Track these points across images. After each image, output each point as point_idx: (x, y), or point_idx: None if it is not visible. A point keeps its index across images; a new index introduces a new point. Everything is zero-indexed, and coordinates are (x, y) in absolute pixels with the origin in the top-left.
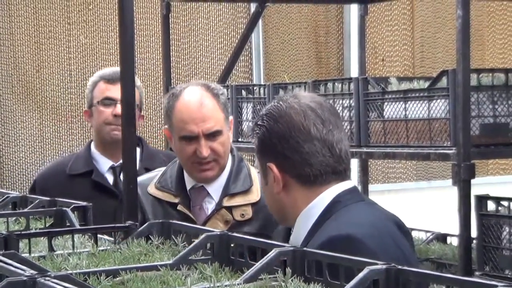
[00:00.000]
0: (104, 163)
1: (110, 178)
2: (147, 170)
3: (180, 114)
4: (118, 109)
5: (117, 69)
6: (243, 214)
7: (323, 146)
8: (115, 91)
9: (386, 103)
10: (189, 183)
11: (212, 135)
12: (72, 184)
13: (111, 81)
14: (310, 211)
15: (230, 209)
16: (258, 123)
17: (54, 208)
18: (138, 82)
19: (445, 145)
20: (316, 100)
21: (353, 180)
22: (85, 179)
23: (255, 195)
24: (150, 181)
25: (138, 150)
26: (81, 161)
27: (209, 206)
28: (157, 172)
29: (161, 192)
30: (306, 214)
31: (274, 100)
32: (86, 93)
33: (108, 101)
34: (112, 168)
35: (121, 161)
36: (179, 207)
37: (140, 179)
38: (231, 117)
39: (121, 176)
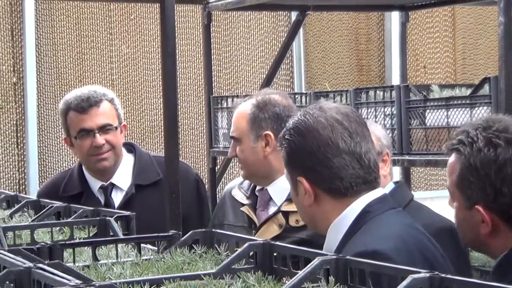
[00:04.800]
0: (94, 184)
1: (101, 199)
2: (138, 187)
3: None
4: (98, 139)
5: (83, 93)
6: (297, 220)
7: (352, 159)
8: (89, 120)
9: (428, 111)
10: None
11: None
12: None
13: (81, 111)
14: (340, 222)
15: (287, 214)
16: (286, 137)
17: (98, 218)
18: (111, 94)
19: None
20: (343, 111)
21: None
22: (76, 201)
23: None
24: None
25: (131, 161)
26: (73, 183)
27: (273, 209)
28: None
29: (239, 193)
30: (337, 225)
31: (300, 113)
32: (60, 119)
33: (84, 133)
34: (102, 188)
35: (110, 180)
36: (243, 208)
37: (232, 183)
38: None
39: (112, 195)
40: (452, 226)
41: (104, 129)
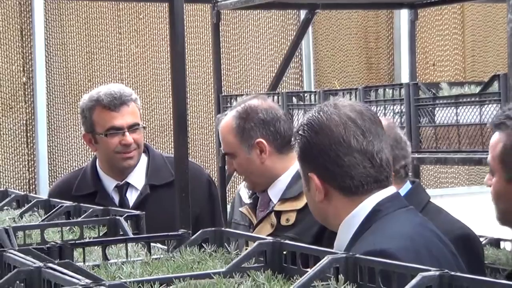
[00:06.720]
0: (109, 183)
1: (116, 198)
2: (152, 187)
3: None
4: (127, 137)
5: (114, 90)
6: (287, 219)
7: (364, 157)
8: (120, 118)
9: (437, 109)
10: None
11: None
12: None
13: (112, 108)
14: (351, 220)
15: (279, 213)
16: (299, 132)
17: (108, 217)
18: (134, 94)
19: None
20: (357, 109)
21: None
22: (90, 200)
23: (302, 201)
24: None
25: (145, 161)
26: (86, 182)
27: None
28: None
29: (244, 192)
30: (348, 222)
31: (315, 109)
32: (81, 115)
33: (114, 131)
34: (117, 187)
35: (126, 179)
36: (242, 208)
37: None
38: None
39: (127, 195)
40: (470, 233)
41: (133, 128)
